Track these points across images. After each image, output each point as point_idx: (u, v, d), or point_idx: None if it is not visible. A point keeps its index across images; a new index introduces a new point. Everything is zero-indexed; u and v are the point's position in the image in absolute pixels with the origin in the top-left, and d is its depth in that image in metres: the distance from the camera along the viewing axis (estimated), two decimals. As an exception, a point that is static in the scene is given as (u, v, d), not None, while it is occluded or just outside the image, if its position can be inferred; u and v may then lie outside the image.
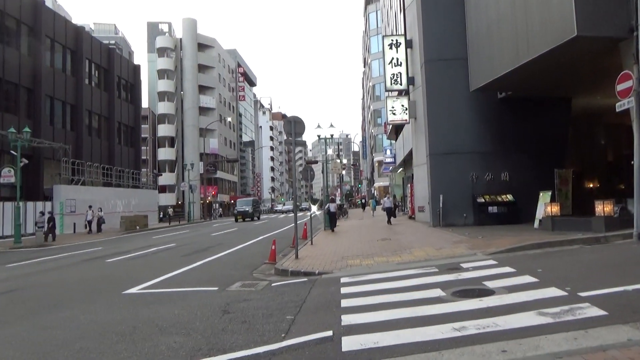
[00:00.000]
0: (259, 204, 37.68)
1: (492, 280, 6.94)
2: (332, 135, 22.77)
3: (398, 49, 22.94)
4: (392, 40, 23.25)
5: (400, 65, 22.90)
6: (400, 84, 22.93)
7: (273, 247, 11.43)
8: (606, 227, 11.11)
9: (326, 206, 22.19)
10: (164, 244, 18.29)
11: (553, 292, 5.94)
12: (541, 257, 9.02)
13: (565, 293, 5.81)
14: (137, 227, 29.92)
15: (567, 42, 11.81)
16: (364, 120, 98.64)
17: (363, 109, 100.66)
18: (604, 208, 11.28)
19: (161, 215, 47.75)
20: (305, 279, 8.69)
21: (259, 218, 36.72)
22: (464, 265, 8.52)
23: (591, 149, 22.74)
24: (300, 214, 45.80)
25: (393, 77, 22.98)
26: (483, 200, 17.96)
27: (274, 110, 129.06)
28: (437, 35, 18.99)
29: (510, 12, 14.35)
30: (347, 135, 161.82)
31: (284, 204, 73.73)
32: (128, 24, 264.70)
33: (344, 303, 6.36)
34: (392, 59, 22.97)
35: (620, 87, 10.58)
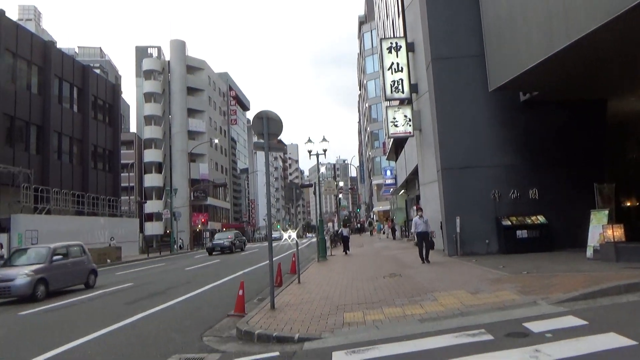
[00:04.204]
0: (241, 235, 35.59)
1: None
2: (325, 151, 19.68)
3: (398, 52, 20.20)
4: (391, 43, 20.52)
5: (402, 70, 20.12)
6: (402, 92, 20.09)
7: (240, 292, 8.15)
8: None
9: (339, 230, 22.76)
10: (120, 282, 14.92)
11: None
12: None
13: None
14: (108, 261, 26.46)
15: (627, 11, 8.90)
16: (360, 144, 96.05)
17: (359, 132, 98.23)
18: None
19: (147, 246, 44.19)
20: (277, 353, 5.42)
21: (242, 249, 33.39)
22: (533, 328, 5.26)
23: (624, 161, 19.75)
24: (275, 243, 41.68)
25: (393, 84, 20.16)
26: (510, 223, 14.77)
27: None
28: (445, 28, 16.15)
29: (542, -15, 11.48)
30: (344, 161, 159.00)
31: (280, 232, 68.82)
32: (119, 51, 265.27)
33: None
34: (392, 64, 20.19)
35: None
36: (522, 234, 14.61)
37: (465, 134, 15.70)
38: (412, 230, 14.56)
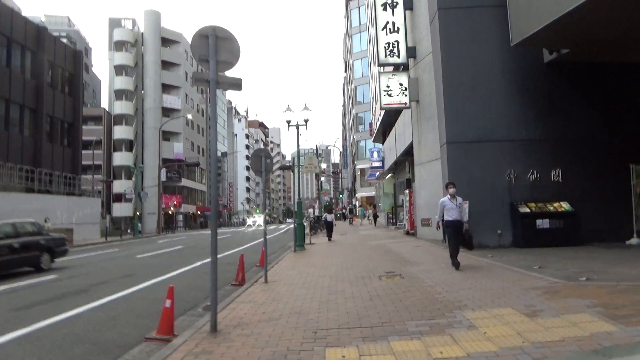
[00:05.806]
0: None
1: None
2: (306, 121, 16.78)
3: (394, 10, 17.34)
4: (386, -1, 17.57)
5: (398, 31, 17.27)
6: (398, 56, 17.26)
7: (168, 302, 5.28)
8: None
9: (323, 216, 21.52)
10: (40, 274, 11.85)
11: None
12: None
13: None
14: (56, 245, 23.14)
15: None
16: (344, 128, 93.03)
17: (344, 116, 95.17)
18: None
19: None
20: None
21: (38, 267, 12.55)
22: None
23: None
24: (250, 229, 37.12)
25: (388, 46, 17.32)
26: (528, 210, 12.16)
27: (250, 118, 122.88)
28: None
29: None
30: (327, 147, 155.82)
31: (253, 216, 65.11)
32: (94, 26, 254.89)
33: None
34: (387, 23, 17.34)
35: None
36: (542, 223, 12.02)
37: (476, 101, 12.99)
38: (438, 217, 9.26)
